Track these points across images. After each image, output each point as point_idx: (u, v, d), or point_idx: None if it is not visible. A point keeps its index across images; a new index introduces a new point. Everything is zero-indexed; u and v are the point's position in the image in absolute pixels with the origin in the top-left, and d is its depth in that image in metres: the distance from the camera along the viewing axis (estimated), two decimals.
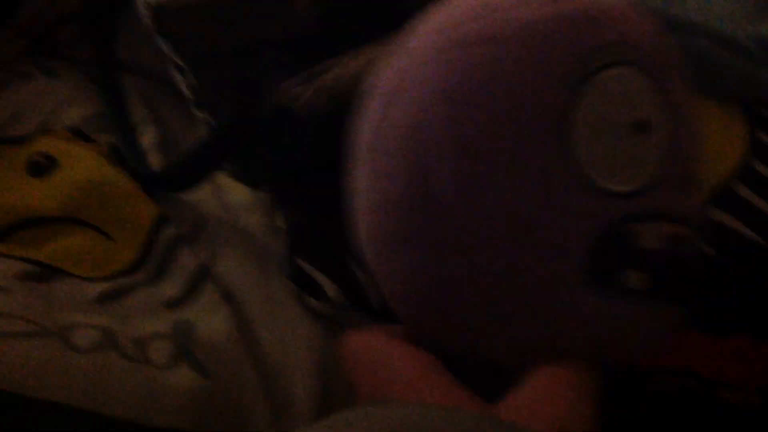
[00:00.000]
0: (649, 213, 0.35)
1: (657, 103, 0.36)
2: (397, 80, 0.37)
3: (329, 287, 0.51)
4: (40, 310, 0.47)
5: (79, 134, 0.61)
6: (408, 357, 0.34)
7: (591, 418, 0.34)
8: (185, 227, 0.55)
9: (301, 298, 0.52)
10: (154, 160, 0.60)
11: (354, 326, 0.37)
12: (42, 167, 0.56)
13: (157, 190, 0.57)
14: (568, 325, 0.36)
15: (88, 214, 0.53)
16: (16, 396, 0.42)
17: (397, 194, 0.36)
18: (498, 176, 0.34)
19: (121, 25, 0.67)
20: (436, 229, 0.35)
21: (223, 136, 0.55)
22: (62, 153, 0.57)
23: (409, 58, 0.37)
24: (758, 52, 0.62)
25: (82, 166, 0.56)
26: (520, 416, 0.32)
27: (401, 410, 0.29)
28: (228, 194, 0.58)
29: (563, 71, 0.35)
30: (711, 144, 0.61)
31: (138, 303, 0.49)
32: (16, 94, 0.64)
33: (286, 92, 0.50)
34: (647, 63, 0.37)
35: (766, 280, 0.56)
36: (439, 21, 0.37)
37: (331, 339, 0.50)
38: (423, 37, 0.37)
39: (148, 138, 0.62)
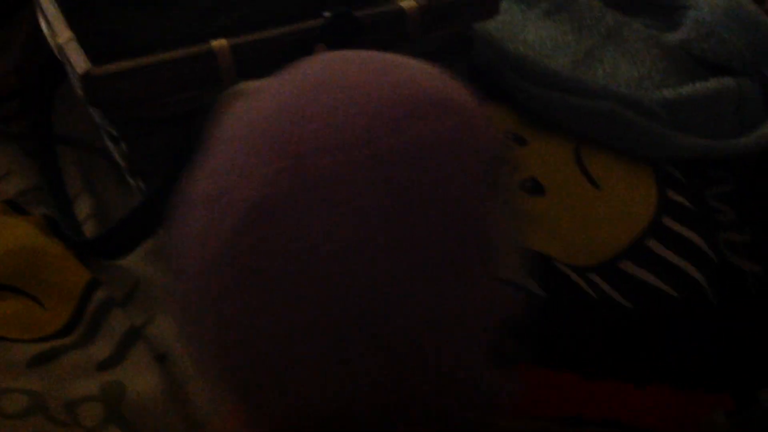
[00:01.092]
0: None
1: None
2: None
3: None
4: None
5: (14, 207, 0.62)
6: None
7: None
8: (118, 291, 0.55)
9: None
10: (91, 230, 0.61)
11: None
12: None
13: (91, 258, 0.58)
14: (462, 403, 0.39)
15: (20, 281, 0.54)
16: None
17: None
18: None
19: (57, 98, 0.68)
20: None
21: (156, 202, 0.56)
22: None
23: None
24: (663, 114, 0.65)
25: (15, 235, 0.56)
26: None
27: None
28: (162, 259, 0.59)
29: None
30: (625, 203, 0.64)
31: (68, 366, 0.50)
32: None
33: None
34: None
35: (680, 330, 0.58)
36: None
37: None
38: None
39: (83, 208, 0.63)
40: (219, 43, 0.53)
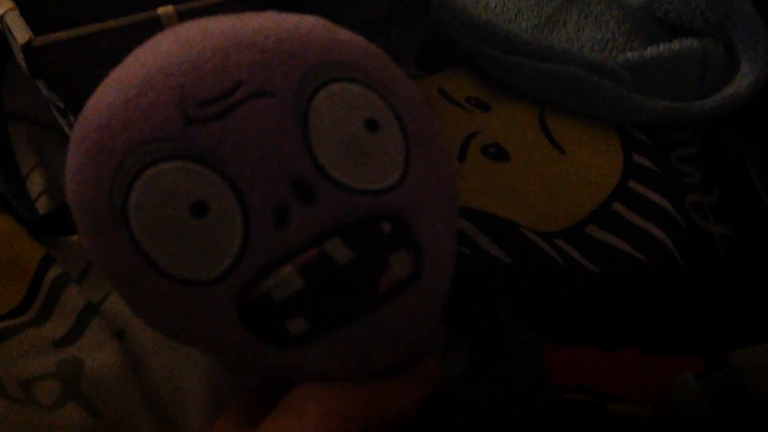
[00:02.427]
0: (260, 272, 0.35)
1: (215, 182, 0.36)
2: None
3: None
4: None
5: None
6: None
7: None
8: (74, 267, 0.54)
9: None
10: (44, 206, 0.60)
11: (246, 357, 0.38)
12: None
13: (45, 234, 0.56)
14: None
15: None
16: None
17: None
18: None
19: (7, 74, 0.66)
20: None
21: None
22: None
23: None
24: (627, 76, 0.65)
25: None
26: None
27: None
28: None
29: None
30: (590, 167, 0.64)
31: (24, 344, 0.48)
32: None
33: None
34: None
35: (648, 293, 0.58)
36: None
37: (224, 372, 0.50)
38: None
39: (36, 185, 0.61)
40: (165, 9, 0.51)
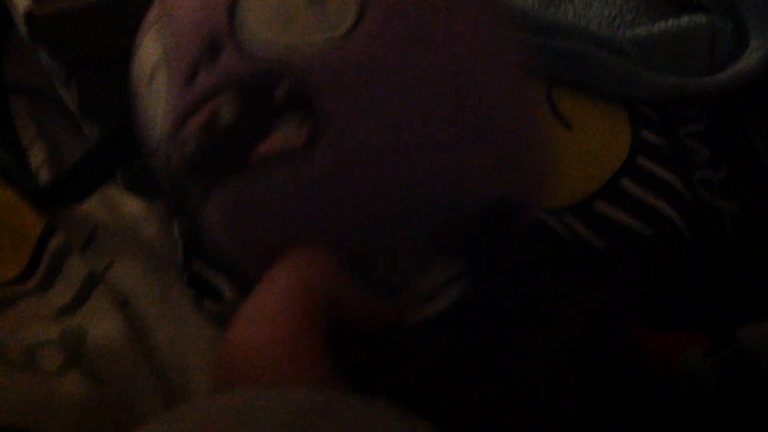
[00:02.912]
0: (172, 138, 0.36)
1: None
2: None
3: (226, 288, 0.51)
4: None
5: None
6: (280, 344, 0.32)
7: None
8: (76, 237, 0.54)
9: (198, 302, 0.51)
10: (45, 178, 0.59)
11: None
12: None
13: (46, 204, 0.56)
14: None
15: None
16: None
17: None
18: None
19: (5, 46, 0.66)
20: None
21: (110, 146, 0.54)
22: None
23: None
24: (635, 52, 0.64)
25: None
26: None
27: (234, 396, 0.28)
28: (122, 204, 0.57)
29: None
30: (598, 143, 0.63)
31: (27, 312, 0.48)
32: None
33: None
34: None
35: (656, 270, 0.57)
36: None
37: None
38: None
39: (38, 156, 0.61)
40: None
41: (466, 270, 0.38)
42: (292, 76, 0.34)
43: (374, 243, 0.37)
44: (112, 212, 0.56)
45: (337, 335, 0.33)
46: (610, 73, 0.64)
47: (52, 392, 0.44)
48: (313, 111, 0.34)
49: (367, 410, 0.27)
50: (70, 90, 0.55)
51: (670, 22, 0.66)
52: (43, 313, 0.48)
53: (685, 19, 0.66)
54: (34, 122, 0.63)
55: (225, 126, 0.33)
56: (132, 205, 0.57)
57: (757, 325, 0.51)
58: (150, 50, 0.34)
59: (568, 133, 0.63)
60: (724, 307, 0.56)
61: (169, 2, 0.35)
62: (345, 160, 0.35)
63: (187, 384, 0.47)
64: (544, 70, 0.66)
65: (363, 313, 0.35)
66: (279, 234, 0.36)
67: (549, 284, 0.40)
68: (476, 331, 0.35)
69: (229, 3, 0.34)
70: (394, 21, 0.35)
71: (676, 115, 0.66)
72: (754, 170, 0.65)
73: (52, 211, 0.56)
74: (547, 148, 0.41)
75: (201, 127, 0.34)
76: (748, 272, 0.58)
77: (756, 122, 0.68)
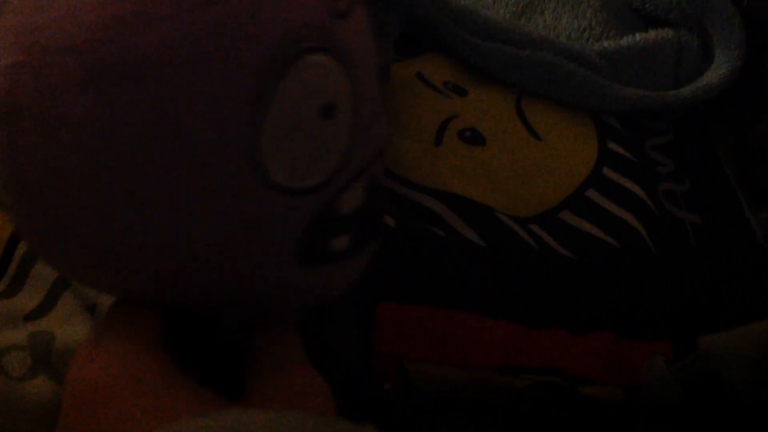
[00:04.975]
0: (343, 187, 0.33)
1: (343, 86, 0.32)
2: None
3: None
4: None
5: None
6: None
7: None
8: None
9: None
10: None
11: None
12: None
13: None
14: (276, 295, 0.35)
15: None
16: None
17: None
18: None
19: None
20: None
21: None
22: None
23: None
24: (603, 65, 0.65)
25: None
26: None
27: (225, 418, 0.28)
28: None
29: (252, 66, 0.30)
30: (566, 154, 0.64)
31: None
32: None
33: None
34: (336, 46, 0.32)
35: (620, 279, 0.58)
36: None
37: None
38: None
39: None
40: None
41: None
42: None
43: None
44: None
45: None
46: (578, 85, 0.65)
47: (20, 396, 0.44)
48: None
49: None
50: None
51: (638, 36, 0.67)
52: (10, 317, 0.48)
53: (652, 34, 0.68)
54: None
55: (382, 189, 0.36)
56: None
57: (718, 335, 0.52)
58: (325, 78, 0.32)
59: (538, 143, 0.64)
60: (686, 317, 0.57)
61: (344, 30, 0.33)
62: None
63: None
64: (514, 80, 0.67)
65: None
66: None
67: None
68: None
69: None
70: None
71: (642, 127, 0.68)
72: (718, 183, 0.66)
73: None
74: None
75: (369, 184, 0.34)
76: (710, 283, 0.59)
77: (720, 136, 0.69)
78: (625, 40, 0.67)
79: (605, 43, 0.67)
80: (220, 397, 0.32)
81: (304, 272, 0.34)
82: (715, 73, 0.67)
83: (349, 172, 0.33)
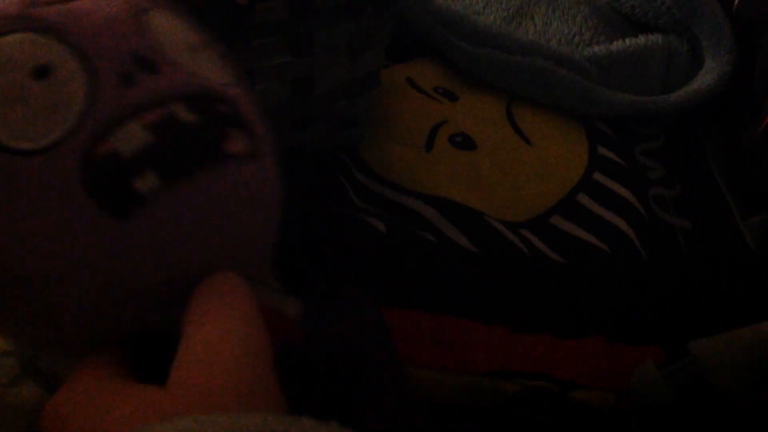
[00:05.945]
0: (103, 131, 0.34)
1: (55, 50, 0.35)
2: None
3: None
4: None
5: None
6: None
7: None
8: None
9: None
10: None
11: None
12: None
13: None
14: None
15: None
16: None
17: None
18: None
19: None
20: None
21: None
22: None
23: None
24: (593, 70, 0.66)
25: None
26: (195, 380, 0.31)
27: (189, 421, 0.27)
28: None
29: None
30: (556, 159, 0.64)
31: None
32: None
33: None
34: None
35: (611, 284, 0.58)
36: None
37: None
38: None
39: None
40: None
41: None
42: (227, 98, 0.36)
43: None
44: None
45: None
46: (568, 90, 0.65)
47: (6, 404, 0.44)
48: (249, 129, 0.36)
49: None
50: None
51: (628, 41, 0.68)
52: None
53: (642, 39, 0.68)
54: None
55: (187, 124, 0.34)
56: None
57: (708, 339, 0.52)
58: (28, 49, 0.35)
59: (529, 148, 0.64)
60: (677, 321, 0.57)
61: (54, 12, 0.35)
62: (272, 181, 0.38)
63: None
64: (504, 85, 0.67)
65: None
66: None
67: None
68: None
69: (144, 28, 0.36)
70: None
71: (632, 132, 0.68)
72: (708, 188, 0.66)
73: None
74: None
75: (157, 123, 0.34)
76: (700, 288, 0.59)
77: (710, 141, 0.69)
78: (615, 46, 0.67)
79: (595, 49, 0.67)
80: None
81: (131, 228, 0.33)
82: (704, 78, 0.67)
83: (102, 118, 0.34)
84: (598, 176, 0.63)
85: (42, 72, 0.34)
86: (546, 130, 0.66)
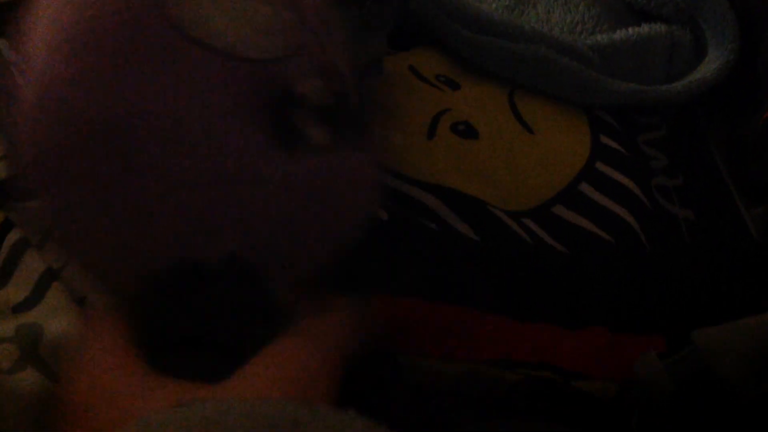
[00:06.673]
0: (305, 73, 0.36)
1: None
2: None
3: None
4: None
5: None
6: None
7: (332, 373, 0.34)
8: (33, 233, 0.53)
9: None
10: (3, 173, 0.58)
11: None
12: None
13: (4, 200, 0.55)
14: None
15: None
16: None
17: None
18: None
19: None
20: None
21: None
22: None
23: None
24: (596, 59, 0.65)
25: None
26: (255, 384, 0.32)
27: (206, 408, 0.28)
28: None
29: None
30: (558, 148, 0.64)
31: None
32: None
33: None
34: None
35: (614, 273, 0.58)
36: None
37: None
38: None
39: None
40: None
41: None
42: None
43: None
44: None
45: None
46: (571, 79, 0.65)
47: (6, 390, 0.44)
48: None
49: (336, 420, 0.27)
50: None
51: (631, 30, 0.67)
52: None
53: (645, 28, 0.68)
54: None
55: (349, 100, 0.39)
56: None
57: (711, 329, 0.52)
58: None
59: (531, 137, 0.64)
60: (680, 311, 0.57)
61: None
62: None
63: None
64: (506, 74, 0.67)
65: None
66: None
67: None
68: None
69: None
70: None
71: (635, 122, 0.67)
72: (711, 178, 0.66)
73: (9, 207, 0.55)
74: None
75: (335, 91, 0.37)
76: (703, 278, 0.59)
77: (713, 131, 0.69)
78: (618, 35, 0.67)
79: (598, 37, 0.67)
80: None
81: (286, 162, 0.35)
82: (708, 68, 0.67)
83: (303, 66, 0.36)
84: (600, 166, 0.63)
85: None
86: (548, 119, 0.65)
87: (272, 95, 0.35)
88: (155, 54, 0.34)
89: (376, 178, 0.39)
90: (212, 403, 0.28)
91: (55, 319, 0.48)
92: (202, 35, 0.34)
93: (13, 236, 0.52)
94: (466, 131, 0.63)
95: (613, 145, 0.65)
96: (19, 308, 0.48)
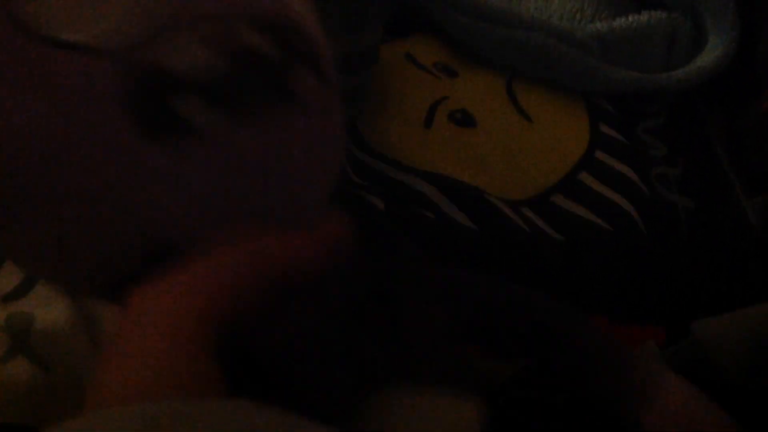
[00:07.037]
0: (182, 48, 0.30)
1: None
2: None
3: None
4: None
5: None
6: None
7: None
8: None
9: None
10: None
11: None
12: None
13: None
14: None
15: None
16: None
17: None
18: None
19: None
20: None
21: None
22: None
23: None
24: (595, 47, 0.65)
25: None
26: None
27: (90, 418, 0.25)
28: None
29: None
30: (557, 136, 0.63)
31: None
32: None
33: None
34: None
35: (613, 263, 0.58)
36: None
37: None
38: None
39: None
40: None
41: None
42: (304, 32, 0.33)
43: None
44: None
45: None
46: (570, 67, 0.64)
47: None
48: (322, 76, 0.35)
49: (219, 413, 0.25)
50: None
51: (631, 18, 0.67)
52: None
53: (645, 16, 0.67)
54: None
55: (251, 49, 0.30)
56: None
57: (711, 320, 0.52)
58: None
59: (529, 126, 0.63)
60: (679, 302, 0.56)
61: None
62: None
63: None
64: (505, 61, 0.66)
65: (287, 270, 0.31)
66: None
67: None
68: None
69: None
70: None
71: (634, 110, 0.67)
72: (710, 167, 0.66)
73: None
74: None
75: (216, 40, 0.30)
76: (702, 267, 0.59)
77: (713, 120, 0.68)
78: (618, 22, 0.66)
79: (597, 25, 0.66)
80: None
81: (157, 152, 0.30)
82: (708, 56, 0.66)
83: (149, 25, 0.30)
84: (599, 154, 0.62)
85: None
86: (547, 108, 0.65)
87: (139, 84, 0.29)
88: (4, 62, 0.29)
89: (330, 146, 0.33)
90: (94, 413, 0.27)
91: (45, 308, 0.47)
92: (54, 32, 0.29)
93: None
94: (464, 120, 0.62)
95: (613, 133, 0.64)
96: (9, 297, 0.48)
